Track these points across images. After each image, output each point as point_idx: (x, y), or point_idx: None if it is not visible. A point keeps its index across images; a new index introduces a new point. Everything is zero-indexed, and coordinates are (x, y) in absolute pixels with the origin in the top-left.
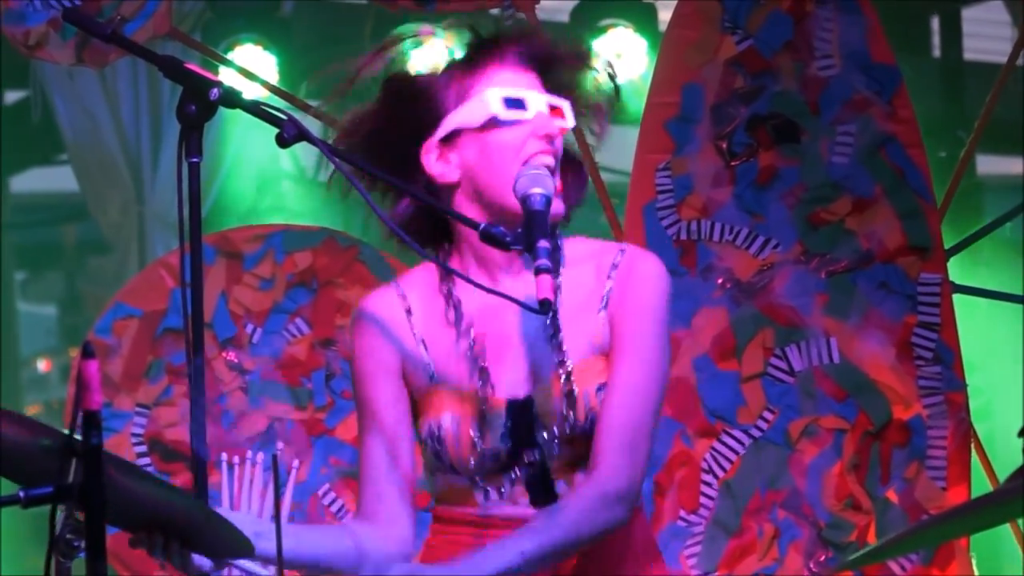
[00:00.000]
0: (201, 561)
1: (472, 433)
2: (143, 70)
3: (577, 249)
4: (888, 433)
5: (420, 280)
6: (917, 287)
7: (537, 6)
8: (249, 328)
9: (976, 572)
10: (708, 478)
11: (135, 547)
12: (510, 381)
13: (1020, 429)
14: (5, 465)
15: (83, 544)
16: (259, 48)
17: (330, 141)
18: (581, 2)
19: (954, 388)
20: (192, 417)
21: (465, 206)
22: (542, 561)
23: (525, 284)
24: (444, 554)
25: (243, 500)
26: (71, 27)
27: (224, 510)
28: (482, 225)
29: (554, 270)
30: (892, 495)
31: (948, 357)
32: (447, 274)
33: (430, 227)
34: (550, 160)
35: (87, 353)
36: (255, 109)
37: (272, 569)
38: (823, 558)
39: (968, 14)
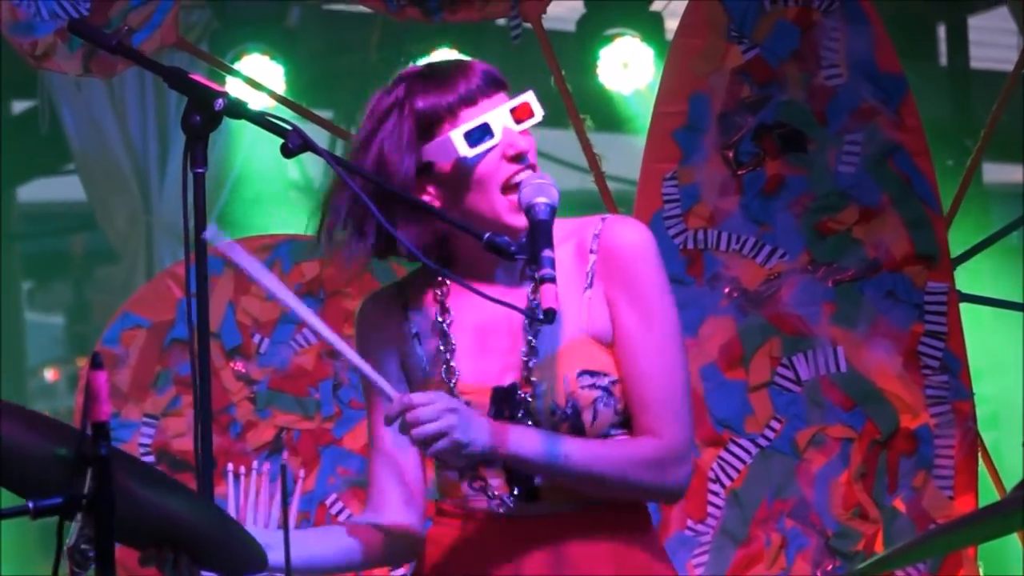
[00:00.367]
0: None
1: None
2: (150, 80)
3: (564, 228)
4: (895, 442)
5: (419, 282)
6: (924, 296)
7: (543, 16)
8: (256, 338)
9: None
10: (715, 487)
11: (145, 565)
12: (502, 371)
13: None
14: (9, 471)
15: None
16: (266, 58)
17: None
18: (588, 11)
19: (961, 397)
20: (197, 427)
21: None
22: (577, 478)
23: (521, 297)
24: (438, 546)
25: (249, 510)
26: (78, 38)
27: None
28: (486, 236)
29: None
30: (899, 504)
31: (955, 366)
32: (441, 282)
33: (433, 240)
34: (540, 179)
35: (96, 364)
36: (260, 119)
37: None
38: (830, 567)
39: (974, 22)
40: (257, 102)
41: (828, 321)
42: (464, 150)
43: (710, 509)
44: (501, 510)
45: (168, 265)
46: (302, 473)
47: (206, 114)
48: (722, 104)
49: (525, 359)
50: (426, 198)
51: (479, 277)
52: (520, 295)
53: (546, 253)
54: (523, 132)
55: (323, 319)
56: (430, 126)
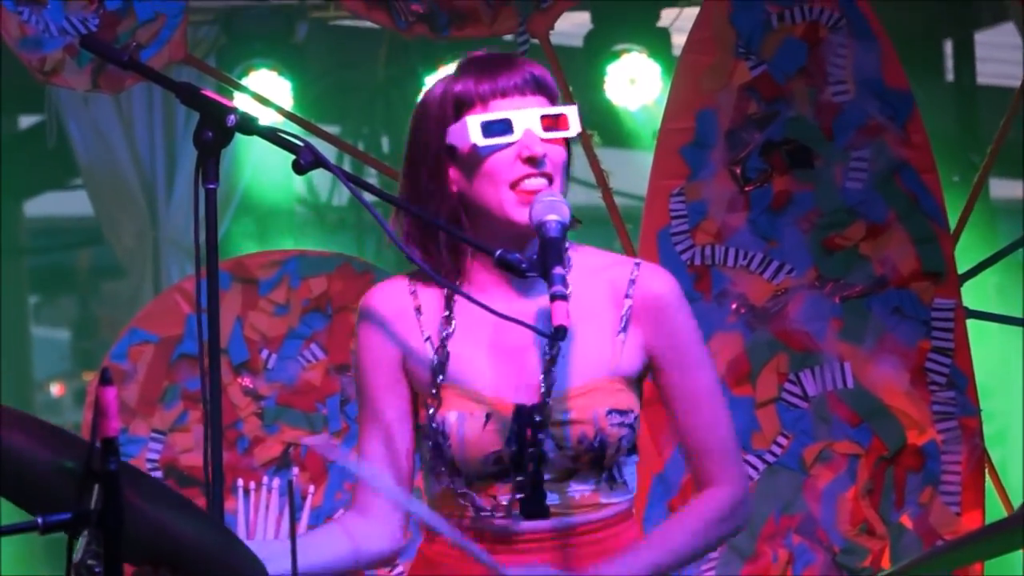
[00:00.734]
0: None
1: (477, 432)
2: (158, 96)
3: (588, 260)
4: (902, 458)
5: (433, 280)
6: (931, 312)
7: (551, 32)
8: (264, 354)
9: None
10: None
11: None
12: (519, 387)
13: None
14: (15, 485)
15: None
16: (274, 73)
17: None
18: (595, 27)
19: (968, 413)
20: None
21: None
22: (672, 566)
23: (535, 312)
24: (436, 566)
25: (259, 526)
26: (87, 53)
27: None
28: (497, 252)
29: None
30: (906, 520)
31: (962, 382)
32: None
33: (448, 255)
34: (538, 183)
35: (105, 380)
36: (272, 135)
37: None
38: None
39: (981, 38)
40: (265, 117)
41: (835, 337)
42: (477, 138)
43: None
44: (510, 525)
45: (176, 280)
46: (312, 489)
47: (218, 130)
48: (729, 120)
49: (546, 381)
50: (449, 178)
51: (496, 285)
52: (533, 306)
53: (557, 270)
54: (551, 141)
55: (331, 334)
56: (460, 109)
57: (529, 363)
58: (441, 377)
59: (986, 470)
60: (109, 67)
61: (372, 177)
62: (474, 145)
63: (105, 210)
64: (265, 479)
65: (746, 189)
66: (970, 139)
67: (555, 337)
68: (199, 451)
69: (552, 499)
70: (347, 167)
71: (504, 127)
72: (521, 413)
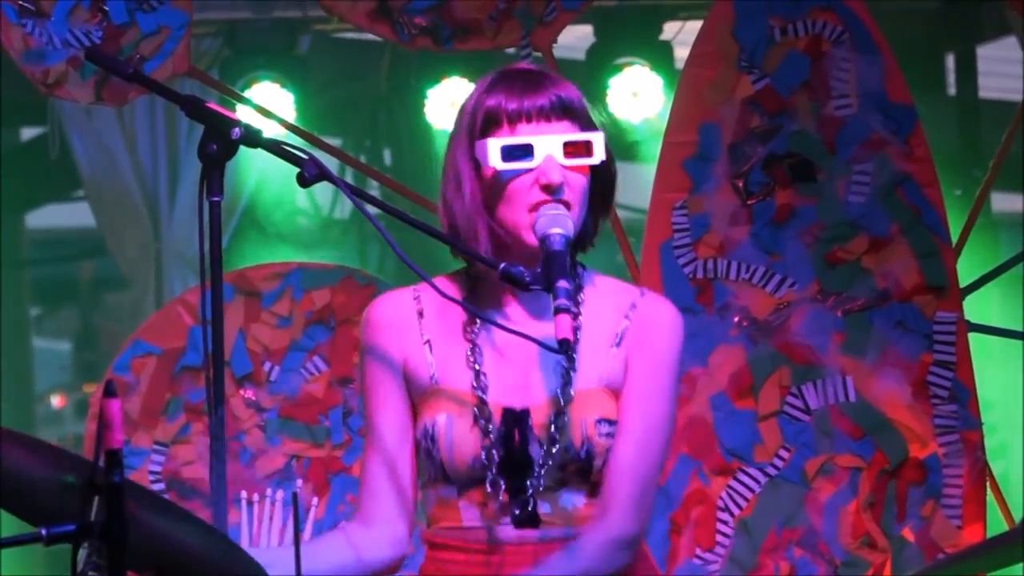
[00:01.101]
0: None
1: (465, 434)
2: (161, 107)
3: (604, 284)
4: (904, 471)
5: (443, 287)
6: (933, 326)
7: (554, 45)
8: (267, 366)
9: None
10: (724, 516)
11: None
12: (509, 391)
13: None
14: (15, 498)
15: None
16: (276, 86)
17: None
18: (598, 40)
19: (970, 427)
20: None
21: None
22: None
23: (547, 323)
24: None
25: (262, 537)
26: (90, 65)
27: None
28: (501, 266)
29: (574, 308)
30: (908, 533)
31: (964, 396)
32: (471, 294)
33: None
34: (555, 210)
35: (109, 392)
36: (276, 148)
37: None
38: None
39: (983, 52)
40: (267, 130)
41: (837, 351)
42: (496, 161)
43: (719, 538)
44: (498, 532)
45: (178, 293)
46: (315, 501)
47: (223, 142)
48: (732, 134)
49: (561, 394)
50: (473, 188)
51: (506, 297)
52: (544, 320)
53: (561, 284)
54: (573, 169)
55: (333, 347)
56: (487, 125)
57: (526, 369)
58: (434, 379)
59: (987, 484)
60: (112, 80)
61: (374, 189)
62: (495, 168)
63: (108, 222)
64: (268, 491)
65: (749, 202)
66: (972, 153)
67: (559, 350)
68: (201, 463)
69: (543, 508)
70: (349, 179)
71: (524, 152)
72: (509, 416)
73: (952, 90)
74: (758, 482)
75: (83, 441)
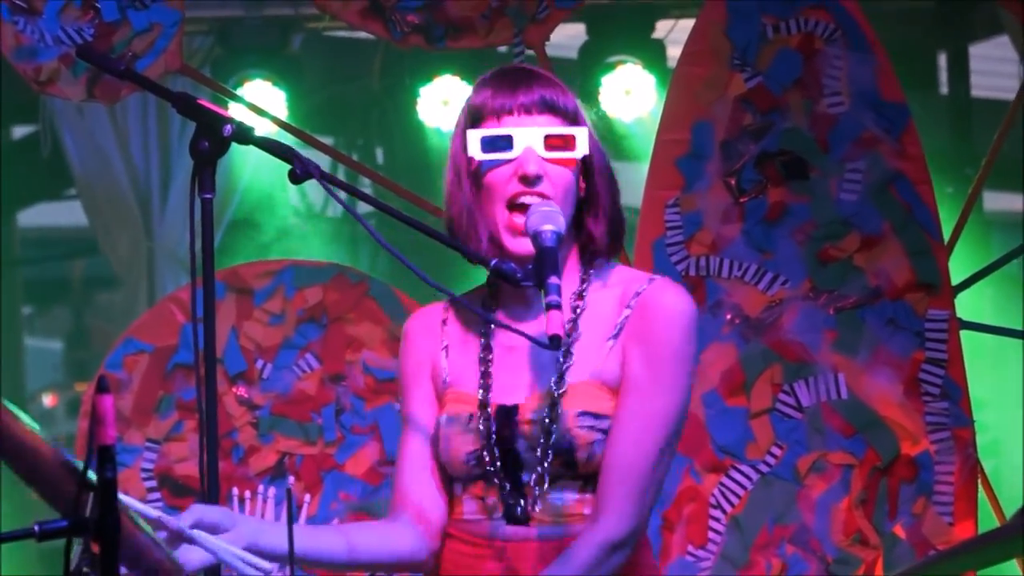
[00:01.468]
0: (187, 558)
1: (459, 433)
2: (153, 105)
3: (617, 275)
4: (896, 469)
5: (466, 299)
6: (925, 324)
7: (546, 43)
8: (259, 363)
9: None
10: (716, 513)
11: None
12: (508, 389)
13: None
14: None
15: None
16: (268, 84)
17: None
18: (590, 39)
19: (961, 424)
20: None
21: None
22: None
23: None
24: (449, 567)
25: None
26: (82, 63)
27: (226, 513)
28: (493, 262)
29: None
30: (899, 530)
31: (955, 393)
32: (491, 298)
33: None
34: (531, 200)
35: (102, 388)
36: (268, 145)
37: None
38: None
39: (975, 51)
40: (259, 128)
41: (829, 348)
42: (475, 151)
43: (711, 535)
44: (496, 528)
45: (170, 290)
46: (307, 498)
47: (214, 140)
48: (725, 132)
49: (549, 388)
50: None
51: (527, 295)
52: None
53: (552, 280)
54: (556, 162)
55: (325, 344)
56: (476, 120)
57: (532, 367)
58: (446, 382)
59: (979, 481)
60: (104, 77)
61: (366, 187)
62: (474, 159)
63: (100, 221)
64: (260, 488)
65: (741, 200)
66: (964, 151)
67: (550, 346)
68: (194, 460)
69: (536, 505)
70: (342, 177)
71: (504, 143)
72: (501, 413)
73: (944, 88)
74: (750, 479)
75: (75, 440)
